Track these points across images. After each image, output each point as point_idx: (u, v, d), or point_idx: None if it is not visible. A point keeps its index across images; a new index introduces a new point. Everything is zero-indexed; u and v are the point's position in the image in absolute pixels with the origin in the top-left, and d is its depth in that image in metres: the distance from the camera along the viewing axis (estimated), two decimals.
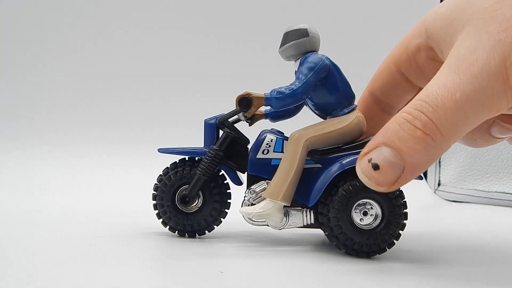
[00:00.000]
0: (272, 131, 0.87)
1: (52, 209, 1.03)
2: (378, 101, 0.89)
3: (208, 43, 1.86)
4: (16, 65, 1.85)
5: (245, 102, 0.82)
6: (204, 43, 1.86)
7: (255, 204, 0.83)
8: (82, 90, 1.82)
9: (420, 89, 0.83)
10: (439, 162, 1.41)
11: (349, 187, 0.79)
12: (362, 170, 0.67)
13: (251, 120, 0.90)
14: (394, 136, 0.64)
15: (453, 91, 0.62)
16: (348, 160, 0.80)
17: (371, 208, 0.80)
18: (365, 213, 0.80)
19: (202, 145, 0.87)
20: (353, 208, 0.80)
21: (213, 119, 0.87)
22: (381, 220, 0.80)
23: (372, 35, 1.79)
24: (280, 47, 0.85)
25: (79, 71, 1.84)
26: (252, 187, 0.84)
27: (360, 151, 0.74)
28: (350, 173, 0.78)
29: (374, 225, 0.80)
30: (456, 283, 0.68)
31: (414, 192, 1.37)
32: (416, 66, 0.82)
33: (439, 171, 1.41)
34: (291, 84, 0.82)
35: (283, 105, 0.82)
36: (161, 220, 0.86)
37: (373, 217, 0.80)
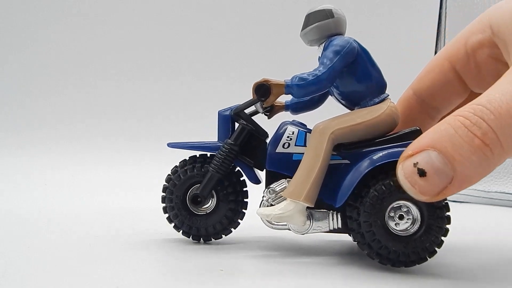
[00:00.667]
0: (293, 123, 0.78)
1: (52, 209, 1.03)
2: (422, 103, 0.81)
3: (213, 36, 1.84)
4: (16, 66, 1.85)
5: (263, 90, 0.74)
6: (209, 36, 1.84)
7: (274, 205, 0.75)
8: (82, 90, 1.82)
9: (473, 94, 0.77)
10: None
11: (382, 187, 0.70)
12: (405, 175, 0.61)
13: (270, 112, 0.84)
14: (447, 141, 0.57)
15: None
16: (380, 155, 0.70)
17: (408, 211, 0.70)
18: (401, 217, 0.70)
19: (216, 139, 0.80)
20: (388, 212, 0.70)
21: (227, 110, 0.80)
22: (420, 225, 0.71)
23: (376, 33, 1.78)
24: (301, 30, 0.77)
25: (80, 71, 1.84)
26: (271, 185, 0.76)
27: (393, 146, 0.70)
28: (383, 170, 0.70)
29: (412, 230, 0.71)
30: (456, 283, 0.68)
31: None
32: (474, 65, 0.75)
33: None
34: (314, 70, 0.73)
35: (306, 93, 0.73)
36: (173, 224, 0.80)
37: (410, 221, 0.70)
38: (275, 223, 0.76)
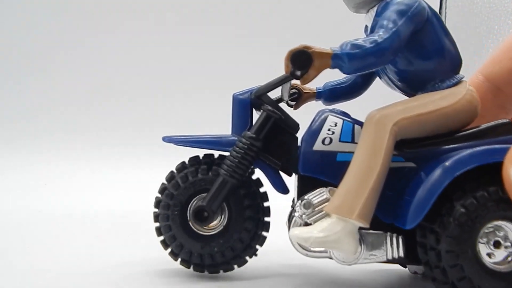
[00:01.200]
0: (334, 111, 0.58)
1: (52, 209, 1.04)
2: (497, 92, 0.64)
3: (208, 38, 1.84)
4: (15, 66, 1.85)
5: (303, 59, 0.52)
6: (204, 38, 1.84)
7: (311, 223, 0.54)
8: (82, 90, 1.80)
9: None
10: None
11: (473, 200, 0.49)
12: None
13: (297, 101, 0.65)
14: None
15: None
16: (467, 156, 0.50)
17: (506, 236, 0.49)
18: (497, 244, 0.49)
19: (228, 133, 0.61)
20: (479, 237, 0.49)
21: (245, 92, 0.60)
22: None
23: None
24: None
25: (79, 71, 1.82)
26: (306, 196, 0.56)
27: (477, 144, 0.51)
28: (468, 177, 0.50)
29: None
30: None
31: None
32: None
33: None
34: (372, 35, 0.53)
35: (361, 67, 0.53)
36: (169, 250, 0.61)
37: (510, 250, 0.49)
38: (314, 250, 0.56)
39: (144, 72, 1.78)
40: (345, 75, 0.62)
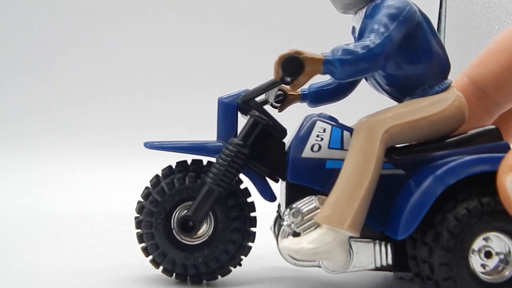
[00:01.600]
0: (322, 116, 0.56)
1: (52, 209, 1.03)
2: (482, 95, 0.63)
3: (207, 39, 1.83)
4: (15, 67, 1.84)
5: (294, 65, 0.50)
6: (203, 39, 1.84)
7: (300, 232, 0.53)
8: (82, 90, 1.79)
9: None
10: None
11: (466, 211, 0.48)
12: None
13: (282, 103, 0.64)
14: None
15: None
16: (460, 165, 0.49)
17: (496, 246, 0.49)
18: (488, 255, 0.49)
19: (214, 138, 0.59)
20: (471, 248, 0.49)
21: (231, 96, 0.58)
22: None
23: None
24: None
25: (79, 70, 1.82)
26: (294, 205, 0.54)
27: (466, 151, 0.51)
28: (461, 186, 0.49)
29: (509, 274, 0.49)
30: None
31: None
32: None
33: None
34: (363, 40, 0.51)
35: (352, 72, 0.51)
36: (150, 257, 0.59)
37: (502, 259, 0.49)
38: (304, 260, 0.54)
39: (145, 73, 1.78)
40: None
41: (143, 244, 0.59)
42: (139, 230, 0.59)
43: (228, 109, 0.58)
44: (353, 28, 0.58)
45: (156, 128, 1.67)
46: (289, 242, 0.52)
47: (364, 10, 0.55)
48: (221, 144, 0.57)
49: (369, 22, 0.53)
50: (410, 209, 0.50)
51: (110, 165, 1.50)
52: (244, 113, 0.58)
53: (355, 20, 0.57)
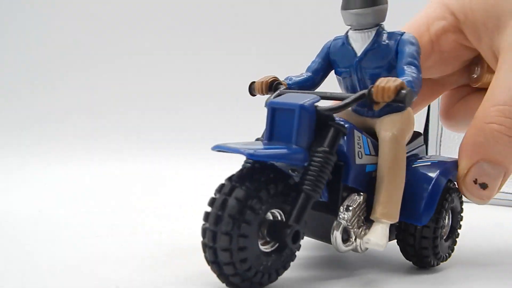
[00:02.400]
0: (352, 125, 0.65)
1: (52, 209, 1.03)
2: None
3: (211, 44, 1.84)
4: (15, 67, 1.85)
5: (408, 98, 0.59)
6: (208, 44, 1.84)
7: (350, 225, 0.64)
8: (82, 90, 1.82)
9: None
10: None
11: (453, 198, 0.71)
12: (471, 193, 0.67)
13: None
14: (492, 148, 0.63)
15: None
16: (451, 164, 0.70)
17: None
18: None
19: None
20: None
21: (309, 101, 0.60)
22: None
23: None
24: (362, 7, 0.64)
25: (78, 71, 1.84)
26: (347, 203, 0.64)
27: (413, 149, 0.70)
28: None
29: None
30: (455, 283, 0.68)
31: None
32: (437, 50, 0.76)
33: None
34: (412, 73, 0.63)
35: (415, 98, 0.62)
36: (232, 276, 0.56)
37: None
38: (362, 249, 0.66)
39: (145, 77, 1.78)
40: (306, 72, 0.72)
41: (227, 259, 0.56)
42: (225, 244, 0.55)
43: (312, 117, 0.60)
44: (349, 38, 0.68)
45: (157, 129, 1.67)
46: (374, 238, 0.63)
47: (373, 32, 0.66)
48: (301, 150, 0.59)
49: (386, 48, 0.65)
50: (427, 200, 0.65)
51: (111, 165, 1.50)
52: (326, 122, 0.61)
53: (361, 37, 0.67)
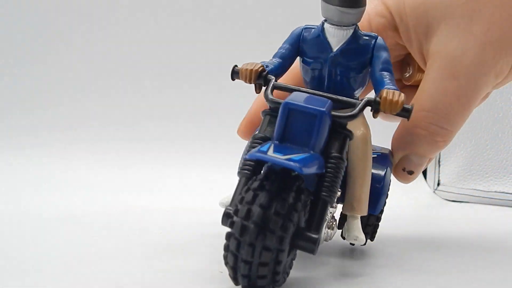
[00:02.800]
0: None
1: (52, 209, 1.03)
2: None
3: (206, 31, 1.82)
4: (13, 65, 1.84)
5: (407, 114, 0.62)
6: (202, 32, 1.83)
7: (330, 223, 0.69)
8: (82, 89, 1.81)
9: None
10: (439, 161, 1.41)
11: None
12: (400, 178, 0.78)
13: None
14: (419, 148, 0.74)
15: (458, 96, 0.70)
16: (383, 160, 0.75)
17: None
18: None
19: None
20: None
21: (320, 104, 0.59)
22: None
23: None
24: (350, 7, 0.63)
25: (78, 68, 1.83)
26: None
27: None
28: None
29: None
30: (455, 283, 0.68)
31: (413, 192, 1.38)
32: None
33: (439, 170, 1.41)
34: (394, 83, 0.65)
35: None
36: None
37: None
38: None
39: (146, 72, 1.78)
40: (276, 59, 0.70)
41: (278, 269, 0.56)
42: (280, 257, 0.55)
43: (329, 123, 0.60)
44: (325, 32, 0.67)
45: (157, 129, 1.67)
46: (358, 233, 0.67)
47: (351, 31, 0.66)
48: (317, 155, 0.58)
49: (362, 48, 0.66)
50: (381, 190, 0.71)
51: (110, 165, 1.49)
52: (335, 127, 0.61)
53: (336, 32, 0.66)
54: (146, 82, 1.76)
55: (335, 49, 0.66)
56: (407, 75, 0.84)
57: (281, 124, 0.59)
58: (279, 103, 0.60)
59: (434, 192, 1.40)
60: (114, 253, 0.74)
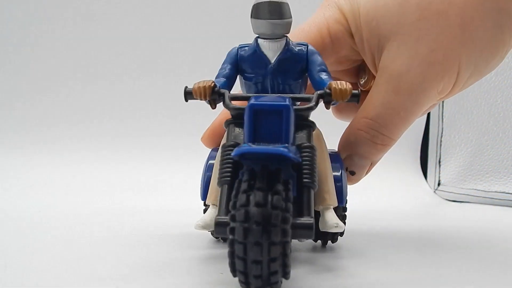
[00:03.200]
0: None
1: (52, 209, 1.03)
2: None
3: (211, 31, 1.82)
4: (13, 64, 1.84)
5: (358, 95, 0.68)
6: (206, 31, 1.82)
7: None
8: (82, 89, 1.81)
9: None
10: (439, 162, 1.41)
11: None
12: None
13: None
14: (360, 148, 0.79)
15: (398, 111, 0.76)
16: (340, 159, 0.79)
17: None
18: None
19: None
20: None
21: (290, 101, 0.64)
22: None
23: None
24: (279, 18, 0.68)
25: (77, 68, 1.83)
26: None
27: None
28: None
29: None
30: (455, 283, 0.68)
31: (414, 192, 1.38)
32: (336, 52, 0.81)
33: (439, 171, 1.41)
34: (328, 76, 0.70)
35: None
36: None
37: None
38: None
39: (146, 71, 1.78)
40: (221, 78, 0.72)
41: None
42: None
43: (292, 115, 0.63)
44: (260, 47, 0.71)
45: (157, 129, 1.67)
46: (336, 219, 0.68)
47: (283, 42, 0.70)
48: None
49: (297, 56, 0.71)
50: (343, 185, 0.74)
51: (110, 165, 1.50)
52: (299, 120, 0.65)
53: (271, 45, 0.71)
54: (146, 91, 1.76)
55: (272, 60, 0.71)
56: (362, 81, 0.87)
57: (250, 125, 0.61)
58: (242, 109, 0.63)
59: (434, 192, 1.40)
60: (114, 254, 0.74)
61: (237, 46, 0.74)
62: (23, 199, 1.13)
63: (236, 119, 0.67)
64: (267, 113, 0.61)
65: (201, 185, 0.75)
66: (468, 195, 1.34)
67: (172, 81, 1.74)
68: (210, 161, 0.75)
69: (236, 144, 0.63)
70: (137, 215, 1.00)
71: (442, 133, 1.43)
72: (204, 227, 0.65)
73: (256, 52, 0.71)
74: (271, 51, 0.71)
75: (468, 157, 1.35)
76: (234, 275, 0.56)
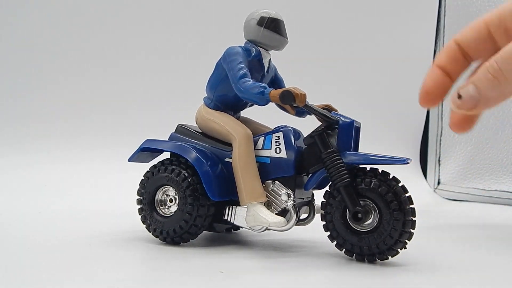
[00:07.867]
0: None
1: (52, 210, 1.03)
2: (466, 56, 0.90)
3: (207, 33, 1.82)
4: (13, 68, 1.85)
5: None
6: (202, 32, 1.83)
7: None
8: (81, 90, 1.82)
9: None
10: (439, 161, 1.41)
11: None
12: (451, 99, 0.77)
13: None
14: (476, 78, 0.75)
15: None
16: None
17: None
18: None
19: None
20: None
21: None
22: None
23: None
24: (285, 37, 0.81)
25: (76, 71, 1.83)
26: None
27: None
28: None
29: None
30: (455, 283, 0.68)
31: (413, 191, 1.39)
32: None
33: (439, 170, 1.41)
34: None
35: None
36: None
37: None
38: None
39: (143, 74, 1.78)
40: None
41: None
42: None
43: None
44: (262, 55, 0.81)
45: (158, 129, 1.67)
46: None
47: (270, 55, 0.83)
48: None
49: (273, 67, 0.85)
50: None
51: (110, 165, 1.49)
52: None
53: (267, 55, 0.82)
54: (143, 91, 1.77)
55: (265, 68, 0.82)
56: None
57: (350, 137, 0.75)
58: (336, 120, 0.76)
59: (434, 191, 1.40)
60: (113, 254, 0.74)
61: (241, 46, 0.80)
62: (23, 199, 1.13)
63: (327, 129, 0.76)
64: (357, 129, 0.76)
65: (207, 181, 0.78)
66: (467, 193, 1.34)
67: (167, 80, 1.75)
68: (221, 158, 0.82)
69: (336, 151, 0.74)
70: (138, 216, 1.00)
71: (441, 132, 1.43)
72: (284, 225, 0.75)
73: (259, 60, 0.81)
74: (266, 60, 0.82)
75: (468, 156, 1.35)
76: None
